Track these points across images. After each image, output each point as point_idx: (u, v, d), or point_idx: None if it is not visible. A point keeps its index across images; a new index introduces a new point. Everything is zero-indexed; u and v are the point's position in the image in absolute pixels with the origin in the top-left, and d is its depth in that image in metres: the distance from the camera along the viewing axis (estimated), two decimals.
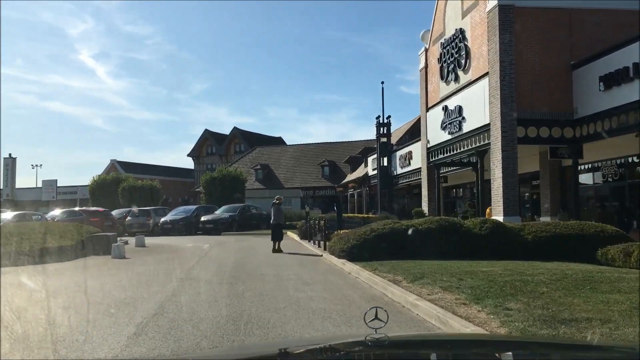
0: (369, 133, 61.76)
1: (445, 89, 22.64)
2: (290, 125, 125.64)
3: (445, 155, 22.69)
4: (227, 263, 15.11)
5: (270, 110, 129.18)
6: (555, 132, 18.19)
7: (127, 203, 42.88)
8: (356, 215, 40.56)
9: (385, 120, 40.58)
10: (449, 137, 21.93)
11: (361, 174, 48.88)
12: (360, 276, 11.31)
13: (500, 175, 17.57)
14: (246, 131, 77.87)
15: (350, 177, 55.15)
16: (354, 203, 52.98)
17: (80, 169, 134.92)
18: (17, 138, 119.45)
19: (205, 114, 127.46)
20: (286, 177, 62.40)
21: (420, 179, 33.15)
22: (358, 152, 54.67)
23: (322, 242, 18.60)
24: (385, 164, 40.26)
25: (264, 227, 35.60)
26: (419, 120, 54.77)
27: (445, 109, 22.22)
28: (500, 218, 16.77)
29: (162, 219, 34.49)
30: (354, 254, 13.55)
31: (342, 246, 14.03)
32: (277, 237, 18.69)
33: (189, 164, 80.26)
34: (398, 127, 52.86)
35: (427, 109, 24.73)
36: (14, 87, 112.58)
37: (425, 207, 24.90)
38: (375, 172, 43.15)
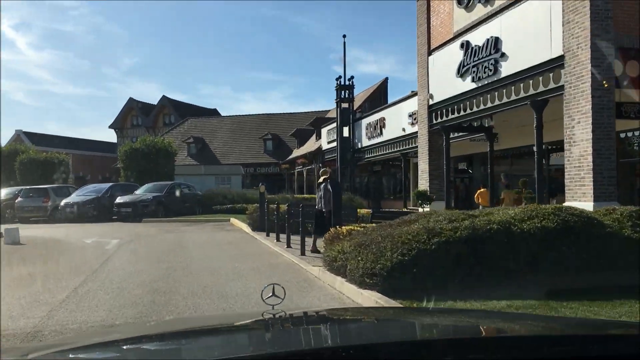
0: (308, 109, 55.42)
1: (464, 18, 15.81)
2: (225, 102, 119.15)
3: (465, 113, 15.80)
4: (135, 291, 7.78)
5: (203, 87, 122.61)
6: None
7: (25, 180, 34.19)
8: (306, 196, 33.61)
9: (348, 82, 33.64)
10: (473, 85, 15.14)
11: (313, 148, 41.84)
12: None
13: (589, 136, 10.92)
14: (177, 101, 68.90)
15: (299, 152, 47.99)
16: (302, 182, 45.95)
17: None
18: None
19: (134, 90, 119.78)
20: (223, 152, 54.52)
21: (396, 152, 26.55)
22: (308, 124, 47.49)
23: (301, 245, 11.47)
24: (346, 134, 33.39)
25: (198, 211, 28.05)
26: (381, 86, 48.12)
27: (466, 46, 15.42)
28: (586, 205, 10.21)
29: (64, 201, 26.31)
30: (398, 281, 6.53)
31: (367, 264, 6.91)
32: (321, 230, 11.33)
33: (113, 137, 70.70)
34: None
35: (430, 52, 17.85)
36: None
37: (424, 186, 18.11)
38: (333, 145, 36.21)
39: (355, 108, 36.32)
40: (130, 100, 68.24)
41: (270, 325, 2.06)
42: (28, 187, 28.15)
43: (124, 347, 1.91)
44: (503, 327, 2.05)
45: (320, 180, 11.90)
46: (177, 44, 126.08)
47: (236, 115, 60.74)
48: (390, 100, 40.16)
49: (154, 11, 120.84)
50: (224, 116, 63.12)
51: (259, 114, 59.34)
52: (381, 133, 28.26)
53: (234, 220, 22.34)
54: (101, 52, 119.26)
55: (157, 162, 31.76)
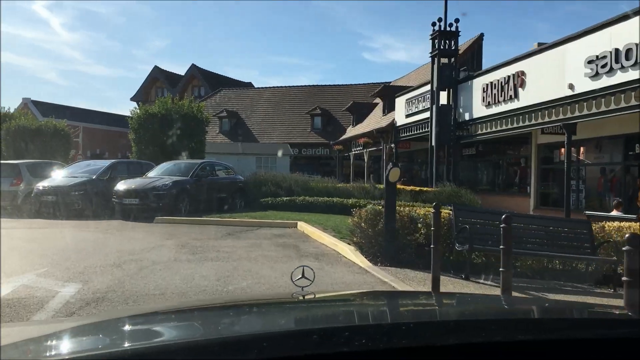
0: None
1: None
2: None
3: None
4: None
5: (231, 71, 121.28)
6: None
7: (13, 154, 25.52)
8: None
9: (450, 28, 23.95)
10: None
11: (382, 124, 32.23)
12: None
13: None
14: (208, 71, 59.72)
15: (356, 129, 38.51)
16: (361, 167, 36.58)
17: None
18: None
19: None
20: (261, 129, 45.33)
21: (551, 122, 17.03)
22: (373, 94, 37.85)
23: None
24: (444, 101, 23.81)
25: (240, 205, 18.83)
26: (473, 44, 36.12)
27: None
28: None
29: (40, 184, 17.32)
30: None
31: None
32: None
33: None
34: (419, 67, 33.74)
35: None
36: None
37: None
38: (416, 118, 26.62)
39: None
40: (155, 69, 59.45)
41: (299, 305, 2.05)
42: None
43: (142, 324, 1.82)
44: None
45: None
46: (206, 27, 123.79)
47: (277, 87, 51.32)
48: (486, 65, 30.24)
49: None
50: (262, 87, 53.60)
51: (305, 85, 49.86)
52: (515, 96, 18.69)
53: (305, 227, 13.04)
54: (131, 34, 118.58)
55: (182, 132, 22.62)
